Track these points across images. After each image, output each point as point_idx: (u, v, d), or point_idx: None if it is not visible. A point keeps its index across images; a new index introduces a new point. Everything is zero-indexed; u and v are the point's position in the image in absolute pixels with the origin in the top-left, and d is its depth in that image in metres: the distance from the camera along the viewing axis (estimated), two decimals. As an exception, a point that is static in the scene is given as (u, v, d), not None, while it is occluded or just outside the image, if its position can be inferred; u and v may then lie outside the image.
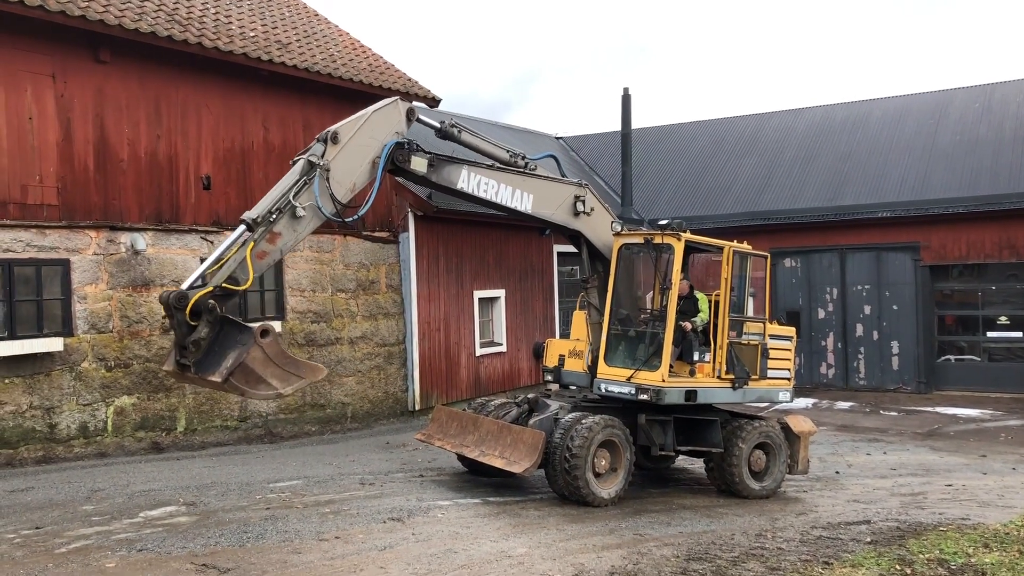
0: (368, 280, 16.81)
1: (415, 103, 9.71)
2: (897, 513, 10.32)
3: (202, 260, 13.89)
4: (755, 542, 8.79)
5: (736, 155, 28.09)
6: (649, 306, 11.61)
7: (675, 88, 72.30)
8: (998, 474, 13.16)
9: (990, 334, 22.18)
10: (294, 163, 8.88)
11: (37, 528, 8.46)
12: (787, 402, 12.23)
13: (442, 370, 18.21)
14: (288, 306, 15.22)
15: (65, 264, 12.28)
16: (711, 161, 28.35)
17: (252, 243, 8.19)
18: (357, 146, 9.00)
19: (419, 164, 9.48)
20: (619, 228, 11.38)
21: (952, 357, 22.79)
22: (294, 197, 8.50)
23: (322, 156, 8.73)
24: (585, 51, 78.39)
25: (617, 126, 27.47)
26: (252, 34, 14.93)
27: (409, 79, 17.74)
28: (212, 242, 14.11)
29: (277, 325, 14.87)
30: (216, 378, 7.79)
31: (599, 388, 11.03)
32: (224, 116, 14.40)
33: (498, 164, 10.58)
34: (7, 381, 11.57)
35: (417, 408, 17.44)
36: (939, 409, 20.03)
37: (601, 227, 11.34)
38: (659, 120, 46.89)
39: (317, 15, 18.40)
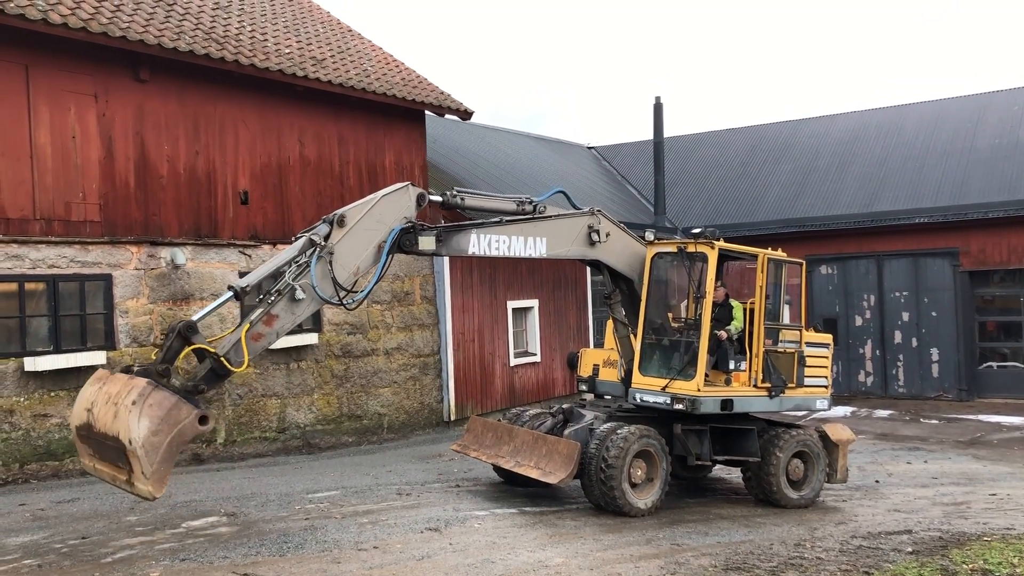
0: (403, 291, 16.94)
1: (424, 191, 9.18)
2: (939, 523, 10.18)
3: (240, 275, 14.17)
4: (794, 552, 8.72)
5: (770, 162, 27.94)
6: (683, 315, 11.58)
7: (707, 96, 72.04)
8: (1043, 483, 12.92)
9: (1033, 340, 21.82)
10: (296, 239, 8.58)
11: (83, 538, 8.63)
12: (824, 410, 12.12)
13: (477, 380, 18.28)
14: (324, 318, 15.38)
15: (107, 279, 12.54)
16: (745, 168, 28.23)
17: (248, 324, 7.85)
18: (363, 230, 8.70)
19: (427, 243, 9.16)
20: (652, 237, 11.36)
21: (994, 364, 22.43)
22: (294, 278, 8.17)
23: (326, 238, 8.41)
24: (617, 60, 78.43)
25: (649, 135, 27.45)
26: (287, 51, 15.17)
27: (442, 92, 17.90)
28: (250, 256, 14.34)
29: (314, 338, 15.05)
30: (140, 378, 7.22)
31: (634, 398, 11.01)
32: (261, 132, 14.64)
33: (507, 217, 10.18)
34: (52, 394, 11.83)
35: (452, 418, 17.52)
36: (981, 417, 19.70)
37: (620, 250, 11.13)
38: (692, 128, 46.73)
39: (351, 31, 18.64)
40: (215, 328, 12.31)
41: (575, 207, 10.91)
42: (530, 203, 10.37)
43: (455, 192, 9.78)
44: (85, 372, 12.08)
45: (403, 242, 9.04)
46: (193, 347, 7.51)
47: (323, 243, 8.35)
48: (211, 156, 13.92)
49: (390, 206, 8.98)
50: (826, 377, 11.88)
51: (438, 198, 9.74)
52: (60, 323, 11.98)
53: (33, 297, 11.83)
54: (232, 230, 14.19)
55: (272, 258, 8.51)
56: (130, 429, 6.86)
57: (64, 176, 12.10)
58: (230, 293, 7.96)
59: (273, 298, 8.05)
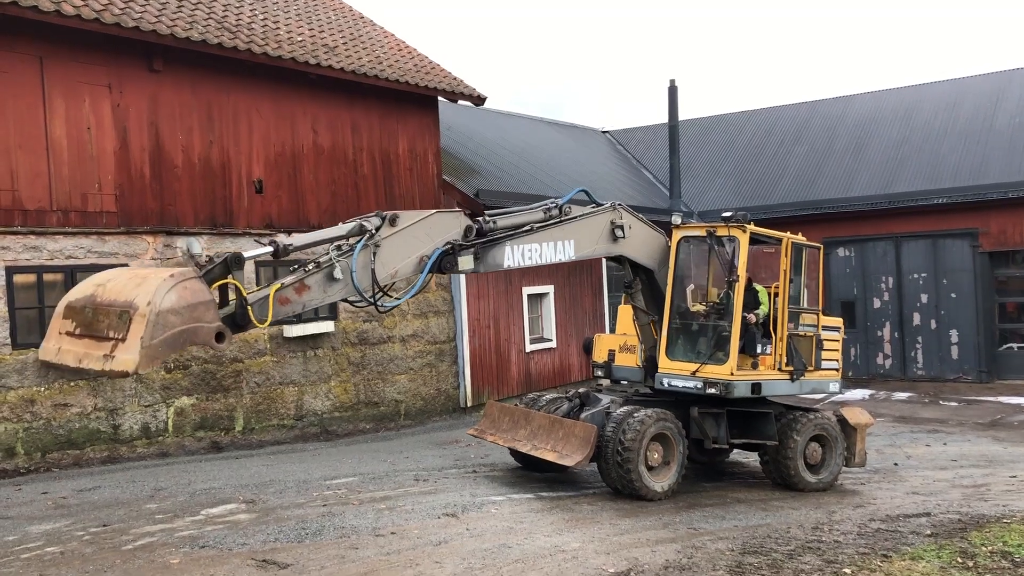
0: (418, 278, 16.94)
1: (472, 220, 9.24)
2: (958, 505, 10.13)
3: (256, 263, 14.21)
4: (811, 535, 8.71)
5: (786, 144, 27.74)
6: (704, 300, 11.54)
7: (723, 79, 71.52)
8: (1064, 464, 12.83)
9: (1055, 321, 21.63)
10: (346, 223, 8.42)
11: (104, 526, 8.72)
12: (837, 392, 12.11)
13: (493, 366, 18.30)
14: (340, 306, 15.43)
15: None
16: (761, 151, 28.04)
17: (279, 284, 7.65)
18: (411, 236, 8.66)
19: (466, 263, 9.15)
20: (679, 221, 11.28)
21: (1015, 345, 22.24)
22: (338, 257, 7.98)
23: (377, 229, 8.29)
24: (632, 44, 77.97)
25: (664, 118, 27.28)
26: (300, 39, 15.16)
27: (455, 78, 17.85)
28: (265, 244, 14.35)
29: (330, 325, 15.11)
30: (177, 270, 6.79)
31: (661, 383, 10.96)
32: (274, 120, 14.65)
33: (536, 225, 10.03)
34: (72, 384, 11.93)
35: (469, 404, 17.56)
36: (1002, 398, 19.57)
37: (641, 242, 11.05)
38: (707, 111, 46.43)
39: (363, 17, 18.60)
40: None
41: (596, 203, 10.75)
42: (556, 207, 10.22)
43: (487, 219, 9.58)
44: (104, 362, 12.18)
45: (444, 264, 8.94)
46: (229, 281, 7.16)
47: (374, 232, 8.24)
48: (225, 145, 13.96)
49: (442, 224, 8.94)
50: (838, 360, 11.88)
51: (474, 224, 9.53)
52: (79, 313, 12.06)
53: (52, 288, 11.91)
54: (247, 219, 14.23)
55: (319, 231, 8.39)
56: (154, 293, 6.24)
57: (80, 167, 12.16)
58: (270, 247, 7.71)
59: (311, 267, 7.85)
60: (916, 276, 22.92)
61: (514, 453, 11.52)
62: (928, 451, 14.11)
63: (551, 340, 20.03)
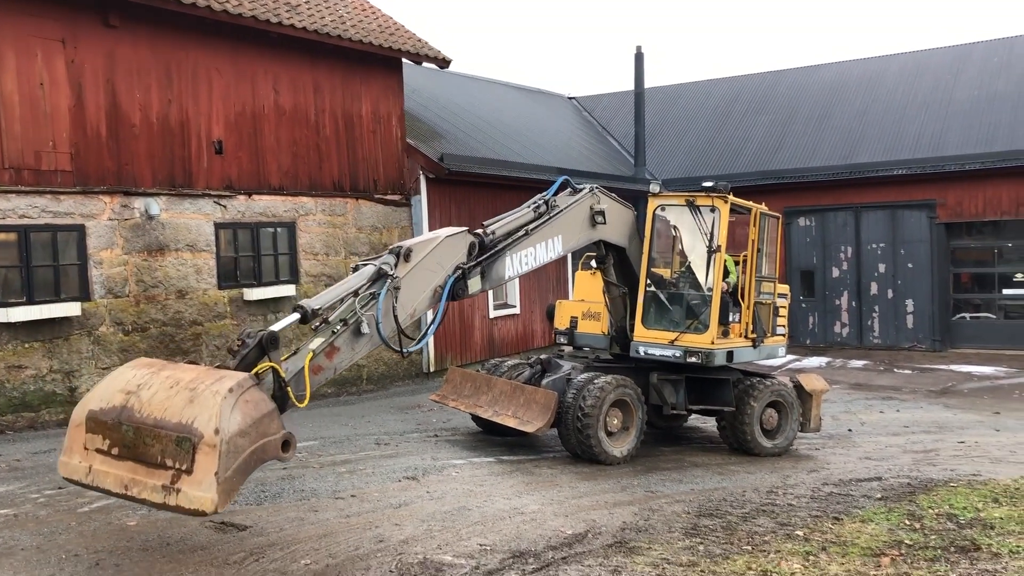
0: (381, 243, 16.85)
1: (475, 235, 9.06)
2: (908, 470, 10.38)
3: (216, 225, 14.05)
4: (766, 498, 8.88)
5: (750, 113, 27.85)
6: (671, 268, 11.61)
7: (689, 46, 71.39)
8: (1011, 431, 13.18)
9: (1006, 291, 22.12)
10: (358, 267, 7.90)
11: (60, 488, 8.63)
12: (783, 357, 12.49)
13: (456, 332, 18.30)
14: (302, 270, 15.31)
15: (80, 229, 12.37)
16: (725, 120, 28.13)
17: (311, 354, 7.06)
18: (425, 270, 8.29)
19: (475, 285, 9.00)
20: (657, 189, 11.30)
21: (967, 315, 22.74)
22: (361, 308, 7.45)
23: (394, 268, 7.83)
24: (599, 9, 77.42)
25: (630, 85, 27.23)
26: (261, -4, 14.83)
27: (419, 40, 17.63)
28: (225, 206, 14.18)
29: (291, 289, 14.99)
30: (234, 371, 6.30)
31: (637, 351, 11.04)
32: (235, 80, 14.37)
33: (530, 227, 9.77)
34: (27, 346, 11.73)
35: (432, 370, 17.57)
36: (953, 367, 20.02)
37: (616, 222, 10.95)
38: (673, 79, 46.37)
39: (326, -24, 18.23)
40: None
41: (576, 190, 10.60)
42: (544, 202, 10.01)
43: (487, 232, 9.31)
44: (59, 323, 11.99)
45: (456, 290, 8.75)
46: (268, 365, 6.61)
47: (392, 273, 7.81)
48: (184, 104, 13.67)
49: (450, 249, 8.68)
50: (785, 326, 12.15)
51: (475, 240, 9.22)
52: (33, 274, 11.83)
53: (4, 248, 11.65)
54: (207, 180, 14.00)
55: (339, 283, 7.84)
56: (219, 417, 5.54)
57: (33, 124, 11.84)
58: (297, 314, 7.18)
59: (338, 328, 7.34)
60: (875, 246, 23.26)
61: (475, 418, 11.58)
62: (881, 417, 14.42)
63: (515, 306, 20.07)
